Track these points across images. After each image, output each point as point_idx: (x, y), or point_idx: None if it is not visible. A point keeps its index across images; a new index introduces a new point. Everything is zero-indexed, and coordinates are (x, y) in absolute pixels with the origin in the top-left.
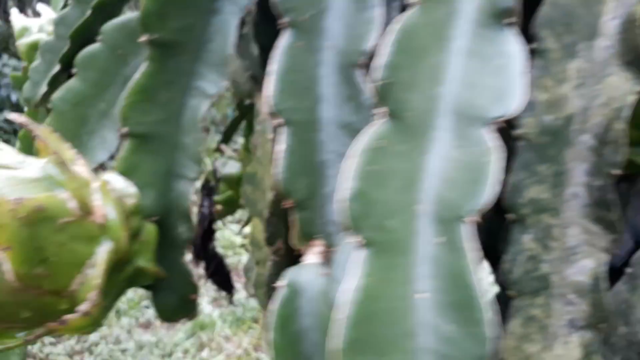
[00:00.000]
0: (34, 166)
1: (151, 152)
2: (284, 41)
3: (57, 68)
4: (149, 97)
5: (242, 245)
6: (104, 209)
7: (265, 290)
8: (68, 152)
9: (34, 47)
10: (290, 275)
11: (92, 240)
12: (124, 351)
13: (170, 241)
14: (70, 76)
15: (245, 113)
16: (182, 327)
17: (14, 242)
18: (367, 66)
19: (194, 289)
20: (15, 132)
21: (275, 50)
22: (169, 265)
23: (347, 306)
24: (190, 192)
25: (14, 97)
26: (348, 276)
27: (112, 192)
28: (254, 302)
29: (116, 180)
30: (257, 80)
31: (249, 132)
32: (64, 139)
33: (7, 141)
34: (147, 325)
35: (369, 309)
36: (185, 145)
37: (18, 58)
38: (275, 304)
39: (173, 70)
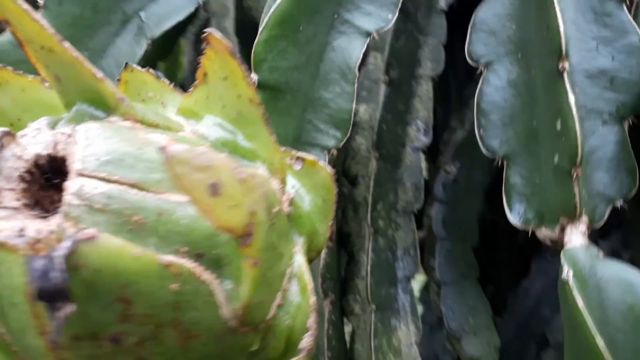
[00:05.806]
0: (207, 121)
1: (280, 110)
2: None
3: None
4: (288, 32)
5: None
6: (294, 192)
7: None
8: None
9: None
10: (569, 261)
11: (287, 238)
12: None
13: None
14: None
15: None
16: None
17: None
18: None
19: None
20: None
21: None
22: None
23: None
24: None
25: None
26: None
27: (311, 171)
28: None
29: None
30: None
31: None
32: None
33: None
34: None
35: None
36: (324, 102)
37: None
38: (580, 302)
39: None
